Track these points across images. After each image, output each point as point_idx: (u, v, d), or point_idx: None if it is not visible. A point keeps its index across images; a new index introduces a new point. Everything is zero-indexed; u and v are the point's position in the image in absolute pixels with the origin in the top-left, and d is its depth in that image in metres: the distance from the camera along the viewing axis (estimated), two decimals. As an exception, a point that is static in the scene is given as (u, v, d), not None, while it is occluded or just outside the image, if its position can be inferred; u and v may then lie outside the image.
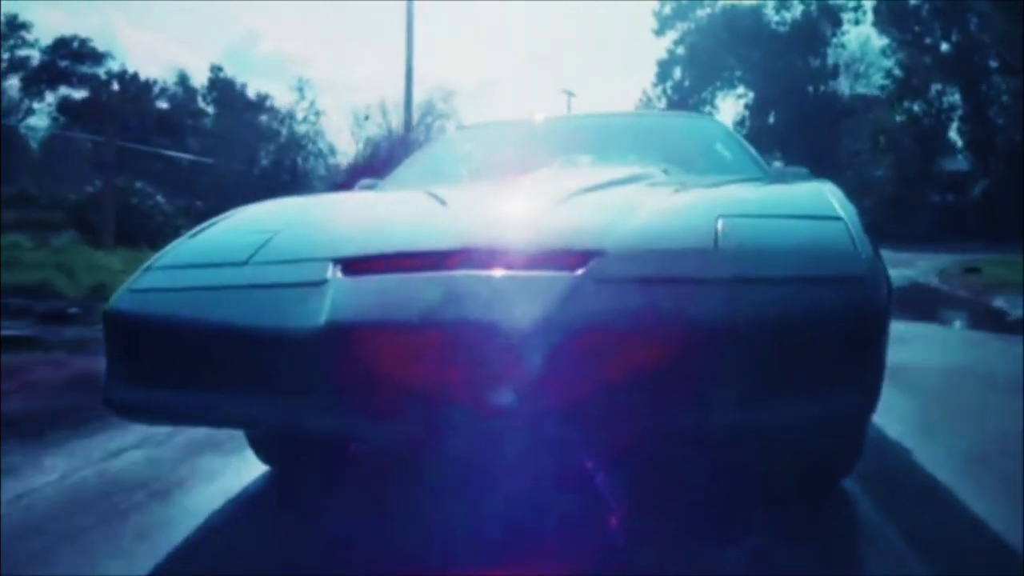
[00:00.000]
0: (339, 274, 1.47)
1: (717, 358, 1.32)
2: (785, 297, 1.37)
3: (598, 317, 1.32)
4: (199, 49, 60.62)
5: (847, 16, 30.27)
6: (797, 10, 30.78)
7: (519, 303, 1.34)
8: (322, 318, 1.36)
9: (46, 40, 30.26)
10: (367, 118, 25.09)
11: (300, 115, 19.37)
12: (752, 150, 3.05)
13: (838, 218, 1.56)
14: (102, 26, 57.04)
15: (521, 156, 3.20)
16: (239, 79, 34.13)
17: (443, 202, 1.96)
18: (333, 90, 57.56)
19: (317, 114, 20.97)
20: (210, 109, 32.97)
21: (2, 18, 27.08)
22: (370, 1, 50.85)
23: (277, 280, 1.56)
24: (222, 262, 1.68)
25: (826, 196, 1.72)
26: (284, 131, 18.63)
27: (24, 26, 29.41)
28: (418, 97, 24.82)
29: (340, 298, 1.41)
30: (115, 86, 28.52)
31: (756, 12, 31.07)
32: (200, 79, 33.76)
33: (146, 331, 1.59)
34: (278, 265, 1.61)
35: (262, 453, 2.21)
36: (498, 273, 1.41)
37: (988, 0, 20.93)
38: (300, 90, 19.52)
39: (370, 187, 3.05)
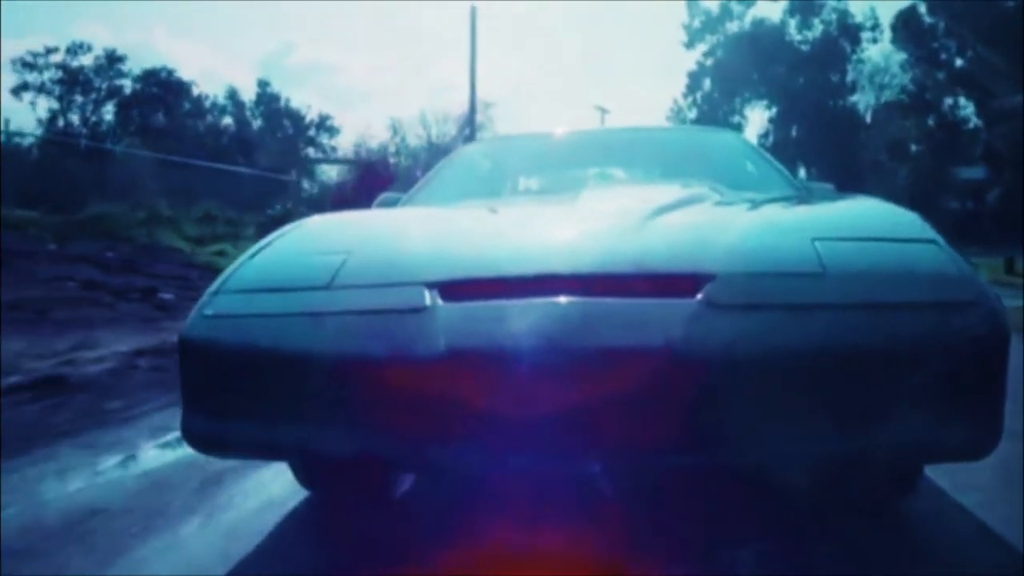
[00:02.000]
0: (439, 300, 1.44)
1: (836, 386, 1.32)
2: (905, 324, 1.37)
3: (720, 344, 1.31)
4: (236, 57, 60.60)
5: (865, 35, 31.89)
6: (818, 29, 32.42)
7: (642, 330, 1.34)
8: (440, 345, 1.34)
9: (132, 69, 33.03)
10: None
11: (392, 148, 21.71)
12: (778, 164, 2.99)
13: (932, 240, 1.56)
14: (142, 38, 57.81)
15: (551, 170, 3.18)
16: (276, 90, 36.28)
17: (519, 220, 2.00)
18: (366, 99, 57.57)
19: (408, 148, 23.26)
20: (257, 122, 35.15)
21: None
22: (402, 9, 52.12)
23: (373, 306, 1.50)
24: (302, 286, 1.62)
25: (912, 217, 1.73)
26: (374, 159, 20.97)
27: (121, 59, 32.41)
28: (457, 109, 26.35)
29: (455, 324, 1.39)
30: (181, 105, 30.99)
31: (779, 31, 32.60)
32: (236, 85, 36.08)
33: (229, 360, 1.53)
34: (368, 290, 1.56)
35: (302, 475, 2.12)
36: (613, 300, 1.39)
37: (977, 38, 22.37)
38: (393, 128, 21.82)
39: (392, 202, 2.91)
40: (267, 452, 1.74)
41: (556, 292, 1.40)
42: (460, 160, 3.50)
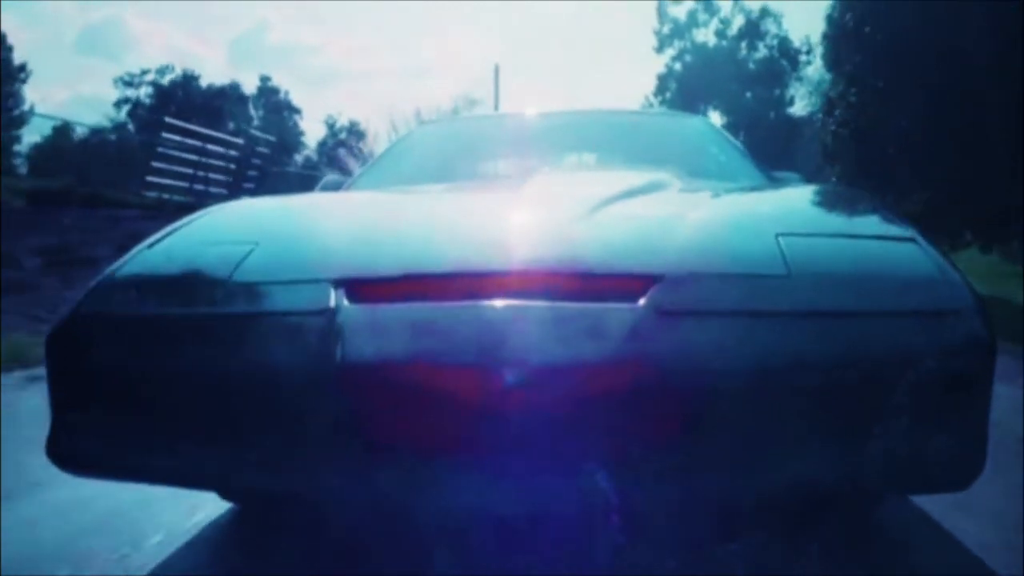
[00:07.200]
0: (345, 300, 1.26)
1: (797, 410, 1.16)
2: (881, 335, 1.21)
3: (665, 358, 1.15)
4: (207, 35, 61.04)
5: (802, 57, 37.07)
6: (763, 52, 37.44)
7: (571, 341, 1.16)
8: (335, 356, 1.17)
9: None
10: None
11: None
12: (745, 152, 2.89)
13: (910, 239, 1.42)
14: (112, 15, 59.45)
15: (507, 154, 3.03)
16: (252, 72, 40.97)
17: (449, 209, 1.83)
18: (344, 80, 59.31)
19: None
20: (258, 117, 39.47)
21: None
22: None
23: (267, 307, 1.35)
24: (195, 281, 1.46)
25: (886, 212, 1.59)
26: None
27: (196, 77, 38.47)
28: (446, 104, 30.51)
29: (354, 331, 1.21)
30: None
31: (731, 51, 37.56)
32: (205, 67, 40.76)
33: (103, 366, 1.33)
34: (266, 286, 1.39)
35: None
36: (542, 305, 1.21)
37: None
38: (392, 124, 26.34)
39: (336, 185, 2.75)
40: (142, 478, 1.45)
41: (475, 294, 1.23)
42: (413, 141, 3.34)
